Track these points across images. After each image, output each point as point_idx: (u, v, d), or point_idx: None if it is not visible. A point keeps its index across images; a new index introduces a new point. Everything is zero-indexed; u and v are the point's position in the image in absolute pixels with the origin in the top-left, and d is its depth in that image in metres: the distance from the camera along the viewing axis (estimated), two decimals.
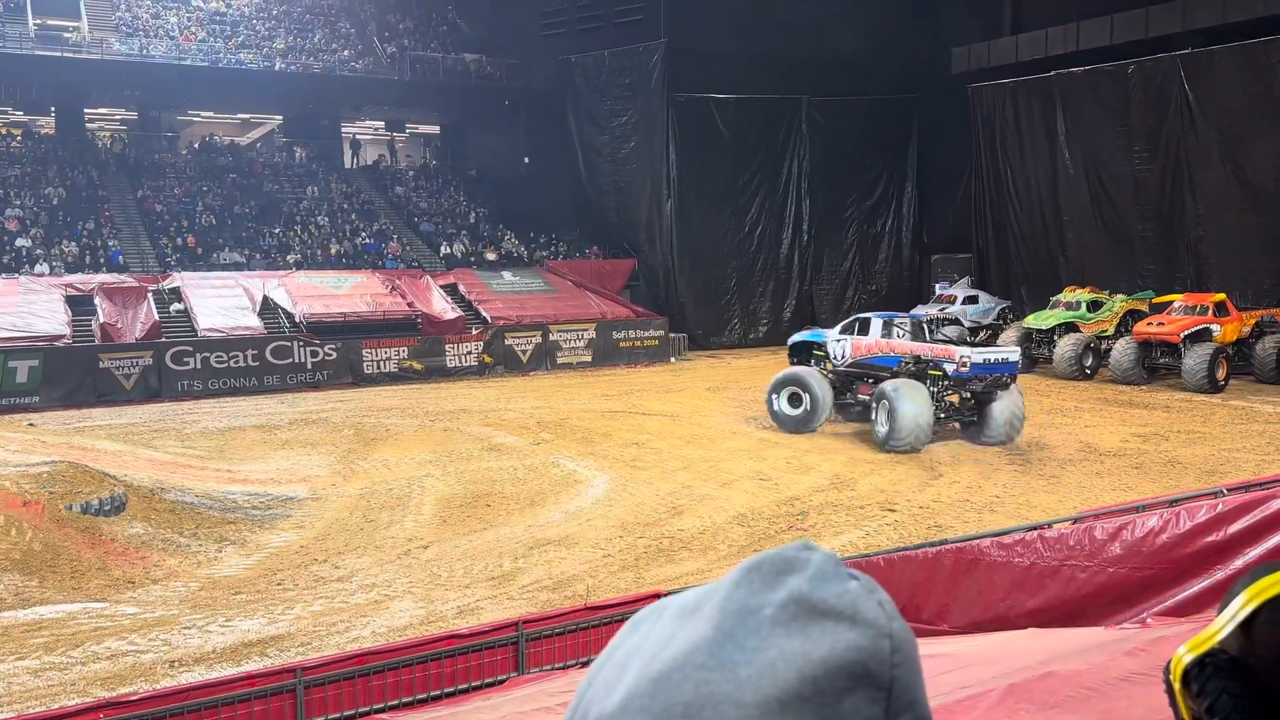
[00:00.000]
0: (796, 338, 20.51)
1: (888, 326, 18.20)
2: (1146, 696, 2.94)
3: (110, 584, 10.77)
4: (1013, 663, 3.65)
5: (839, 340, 18.77)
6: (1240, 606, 1.01)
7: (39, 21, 32.67)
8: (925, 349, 17.53)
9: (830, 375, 18.81)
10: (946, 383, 16.97)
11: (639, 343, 30.16)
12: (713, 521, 12.98)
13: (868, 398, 17.64)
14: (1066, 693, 3.03)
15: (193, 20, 35.65)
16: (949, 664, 3.86)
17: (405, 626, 9.51)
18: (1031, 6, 31.93)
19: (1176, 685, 1.04)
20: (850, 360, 18.47)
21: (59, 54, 31.03)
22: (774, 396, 18.63)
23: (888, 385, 16.69)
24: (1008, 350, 17.79)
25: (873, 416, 16.99)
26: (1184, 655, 1.02)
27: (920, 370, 17.30)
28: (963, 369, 16.53)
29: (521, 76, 36.68)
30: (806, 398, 18.14)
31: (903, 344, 17.83)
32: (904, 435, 16.19)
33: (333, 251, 30.80)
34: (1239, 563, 5.55)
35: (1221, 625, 1.02)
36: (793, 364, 19.65)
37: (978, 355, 16.83)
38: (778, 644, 0.62)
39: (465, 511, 13.73)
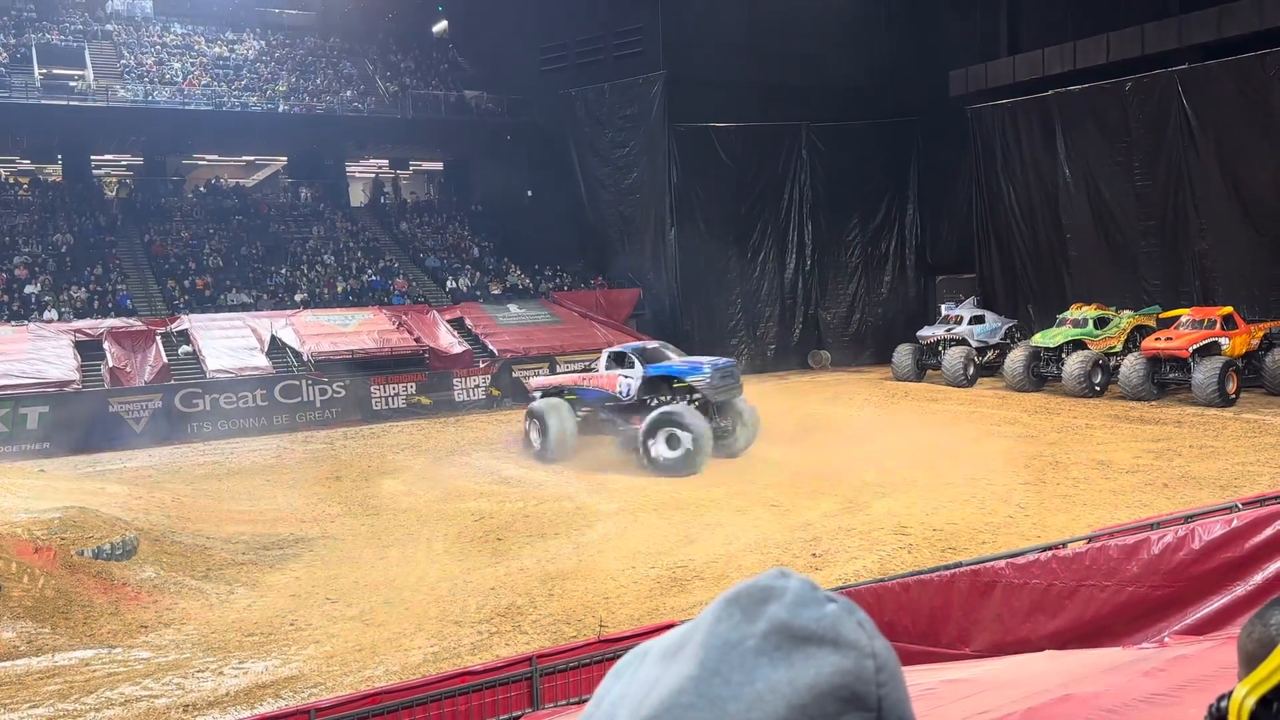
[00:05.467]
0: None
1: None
2: (1165, 717, 2.91)
3: (123, 628, 10.74)
4: (1030, 686, 3.62)
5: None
6: None
7: (45, 71, 33.10)
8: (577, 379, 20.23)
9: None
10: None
11: None
12: (726, 550, 12.91)
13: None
14: (1084, 715, 3.00)
15: (196, 65, 36.07)
16: (966, 689, 3.83)
17: (418, 664, 9.46)
18: (1028, 27, 32.13)
19: None
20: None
21: (65, 102, 31.44)
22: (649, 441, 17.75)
23: (535, 405, 19.67)
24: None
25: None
26: (1244, 697, 1.00)
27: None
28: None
29: (523, 111, 37.01)
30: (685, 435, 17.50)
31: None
32: (552, 446, 18.93)
33: (339, 289, 30.94)
34: (1258, 578, 5.49)
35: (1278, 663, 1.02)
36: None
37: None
38: (763, 675, 0.62)
39: (477, 545, 13.69)
